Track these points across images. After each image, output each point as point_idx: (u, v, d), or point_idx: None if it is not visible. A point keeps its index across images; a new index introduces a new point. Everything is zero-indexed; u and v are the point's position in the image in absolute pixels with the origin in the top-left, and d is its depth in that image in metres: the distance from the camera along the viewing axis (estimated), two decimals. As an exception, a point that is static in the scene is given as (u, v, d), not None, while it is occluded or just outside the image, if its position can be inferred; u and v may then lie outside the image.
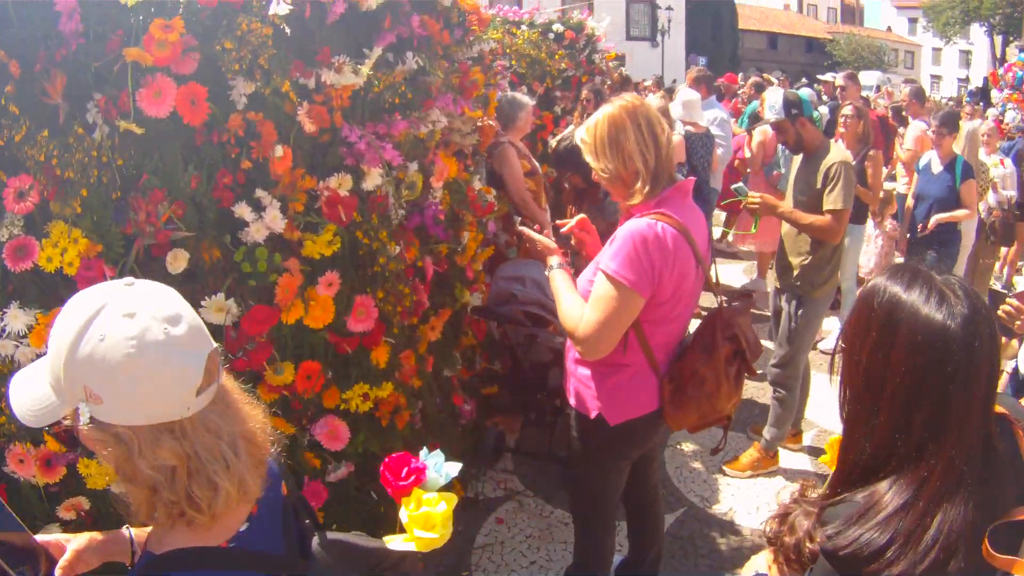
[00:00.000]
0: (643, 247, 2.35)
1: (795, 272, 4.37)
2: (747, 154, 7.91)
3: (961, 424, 1.30)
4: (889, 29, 62.01)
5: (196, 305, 2.65)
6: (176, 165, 2.65)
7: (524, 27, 8.12)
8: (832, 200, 4.13)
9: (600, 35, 9.08)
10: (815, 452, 4.85)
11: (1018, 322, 2.73)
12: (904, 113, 8.79)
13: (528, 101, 5.39)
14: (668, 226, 2.40)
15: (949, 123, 6.11)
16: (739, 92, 12.75)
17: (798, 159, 4.52)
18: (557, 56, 7.69)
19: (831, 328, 6.51)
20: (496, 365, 4.46)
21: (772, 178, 7.65)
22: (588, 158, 2.56)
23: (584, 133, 2.56)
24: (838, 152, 4.30)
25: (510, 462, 4.35)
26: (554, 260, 2.70)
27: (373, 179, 2.95)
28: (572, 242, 2.91)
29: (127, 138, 2.56)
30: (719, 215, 9.75)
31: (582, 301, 2.48)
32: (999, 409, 1.43)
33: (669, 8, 37.78)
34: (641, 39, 38.56)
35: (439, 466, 1.55)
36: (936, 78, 56.68)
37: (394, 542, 1.49)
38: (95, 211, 2.58)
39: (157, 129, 2.60)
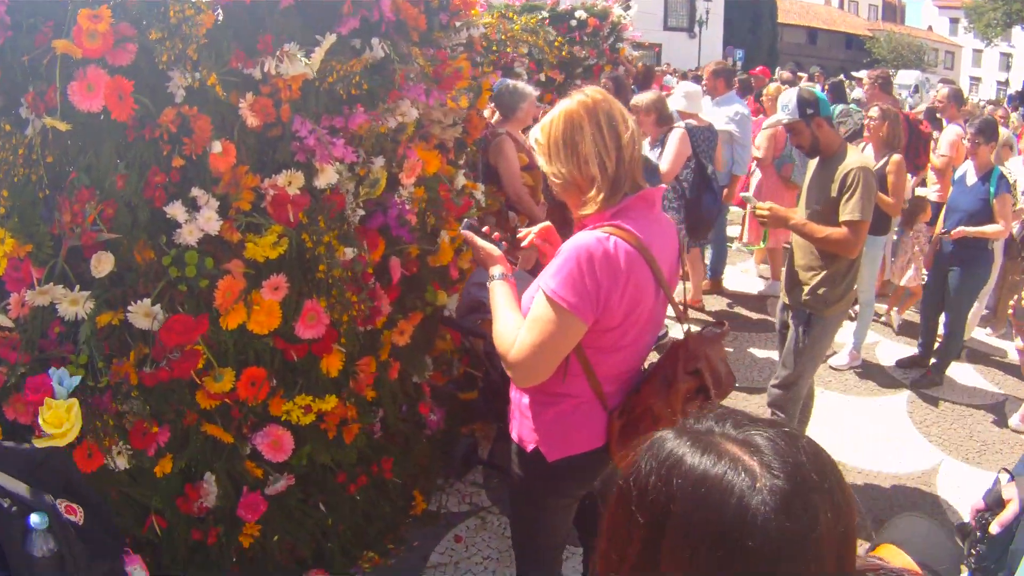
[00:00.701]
0: (588, 265, 2.04)
1: (805, 288, 3.96)
2: (756, 153, 7.52)
3: None
4: (930, 28, 61.01)
5: (123, 308, 2.48)
6: (109, 162, 2.48)
7: (544, 12, 7.86)
8: (849, 210, 3.72)
9: (627, 23, 8.80)
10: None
11: None
12: (938, 115, 8.26)
13: (531, 91, 5.12)
14: (622, 241, 2.08)
15: (987, 131, 5.57)
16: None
17: (814, 163, 4.10)
18: (557, 43, 7.36)
19: (844, 341, 6.15)
20: (477, 370, 4.21)
21: (784, 170, 7.35)
22: (540, 160, 2.26)
23: (538, 132, 2.25)
24: (857, 156, 3.88)
25: (480, 475, 4.13)
26: (496, 270, 2.39)
27: (327, 176, 2.72)
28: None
29: (60, 134, 2.43)
30: (736, 213, 9.44)
31: (521, 320, 2.22)
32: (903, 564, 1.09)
33: (707, -1, 37.23)
34: (678, 29, 38.15)
35: (62, 380, 1.87)
36: (976, 80, 55.77)
37: (39, 441, 1.80)
38: (22, 210, 2.42)
39: (90, 124, 2.46)
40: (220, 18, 2.39)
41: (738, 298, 7.80)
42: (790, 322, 4.13)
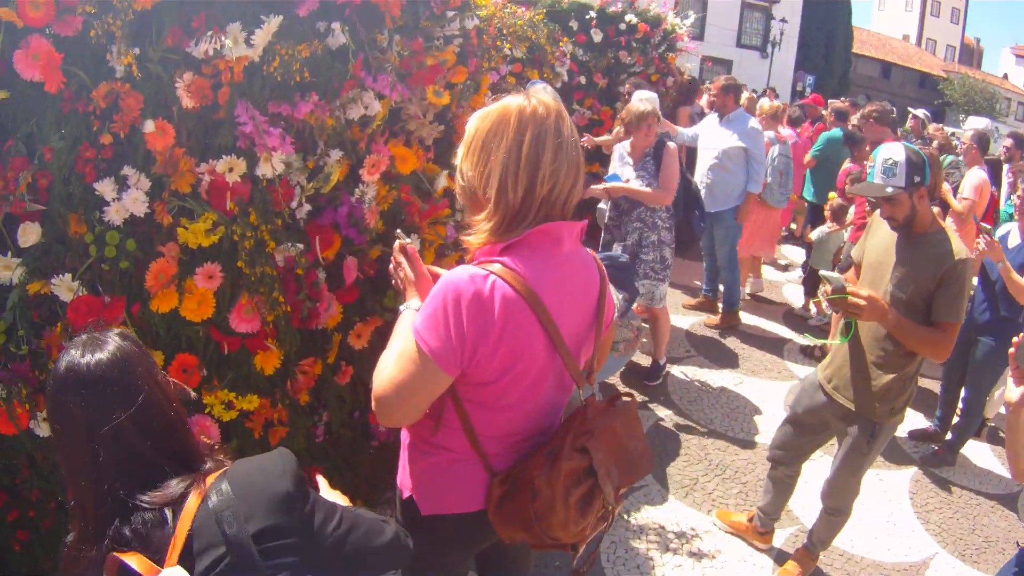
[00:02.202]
0: (454, 307, 1.73)
1: (876, 393, 3.36)
2: None
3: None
4: (1005, 76, 59.55)
5: (47, 279, 2.40)
6: (49, 133, 2.47)
7: (593, 11, 7.68)
8: (949, 310, 3.15)
9: (682, 33, 8.54)
10: (782, 558, 4.01)
11: None
12: (963, 158, 7.87)
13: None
14: (503, 284, 1.75)
15: None
16: (823, 114, 11.93)
17: (883, 233, 3.43)
18: (562, 43, 7.14)
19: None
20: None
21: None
22: (460, 150, 1.92)
23: (475, 118, 1.89)
24: (959, 242, 3.23)
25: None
26: (414, 302, 2.05)
27: (269, 165, 2.58)
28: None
29: (3, 101, 2.39)
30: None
31: None
32: None
33: (783, 20, 36.51)
34: (751, 48, 37.53)
35: None
36: (1049, 134, 54.13)
37: None
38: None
39: (32, 94, 2.41)
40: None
41: (753, 338, 7.18)
42: (842, 424, 3.55)
